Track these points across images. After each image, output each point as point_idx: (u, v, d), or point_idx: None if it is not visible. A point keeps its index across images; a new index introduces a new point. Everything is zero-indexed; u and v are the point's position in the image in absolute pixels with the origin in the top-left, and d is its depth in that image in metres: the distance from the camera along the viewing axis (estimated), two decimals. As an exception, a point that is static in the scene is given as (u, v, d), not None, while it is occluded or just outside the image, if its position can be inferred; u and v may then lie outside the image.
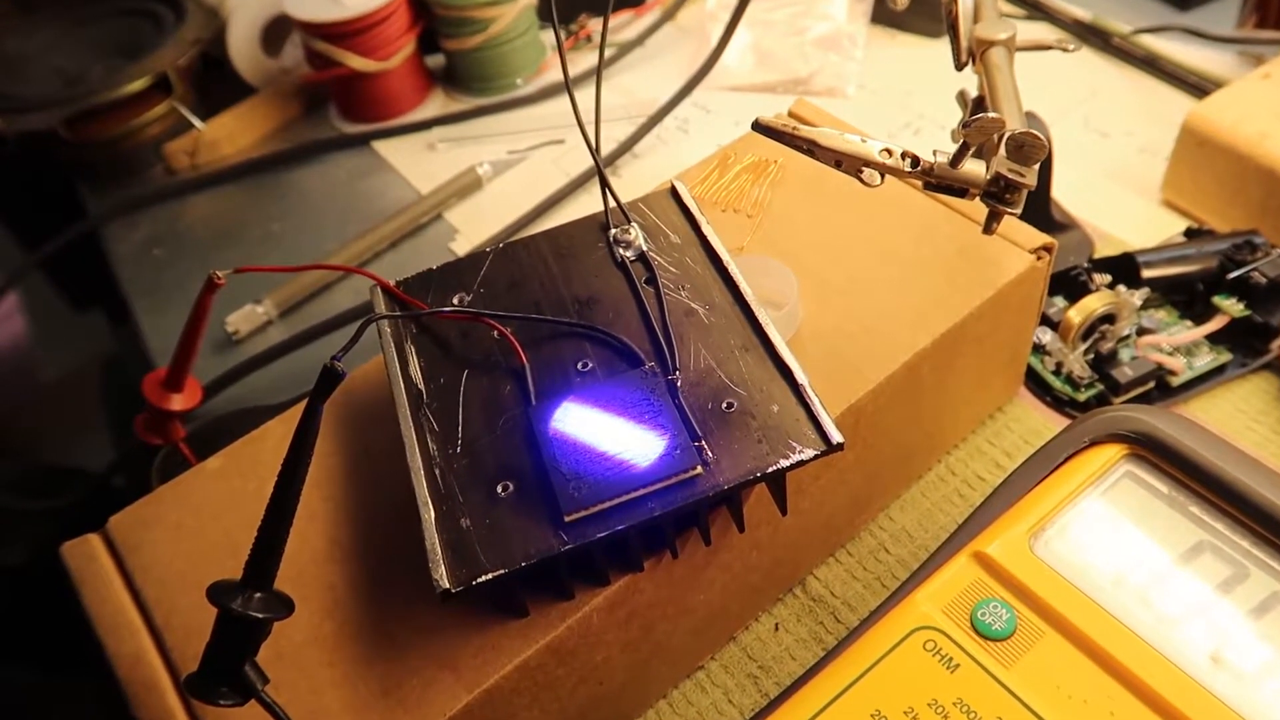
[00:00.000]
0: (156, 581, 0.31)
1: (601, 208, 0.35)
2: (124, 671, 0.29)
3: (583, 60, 0.66)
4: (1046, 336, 0.41)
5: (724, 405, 0.29)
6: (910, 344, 0.33)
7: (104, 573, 0.32)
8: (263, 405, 0.44)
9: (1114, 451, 0.30)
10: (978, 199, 0.32)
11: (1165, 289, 0.42)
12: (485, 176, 0.57)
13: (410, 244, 0.55)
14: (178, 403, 0.38)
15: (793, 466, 0.28)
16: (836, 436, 0.28)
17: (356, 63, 0.59)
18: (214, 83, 0.66)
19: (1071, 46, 0.38)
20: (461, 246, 0.54)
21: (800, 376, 0.29)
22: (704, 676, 0.35)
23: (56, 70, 0.63)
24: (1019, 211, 0.31)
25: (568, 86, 0.34)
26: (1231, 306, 0.40)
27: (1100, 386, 0.40)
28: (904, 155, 0.31)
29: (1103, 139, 0.53)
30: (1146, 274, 0.41)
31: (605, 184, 0.35)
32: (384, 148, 0.62)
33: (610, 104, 0.62)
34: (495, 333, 0.32)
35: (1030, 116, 0.43)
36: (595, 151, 0.35)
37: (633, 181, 0.56)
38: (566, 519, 0.27)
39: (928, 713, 0.25)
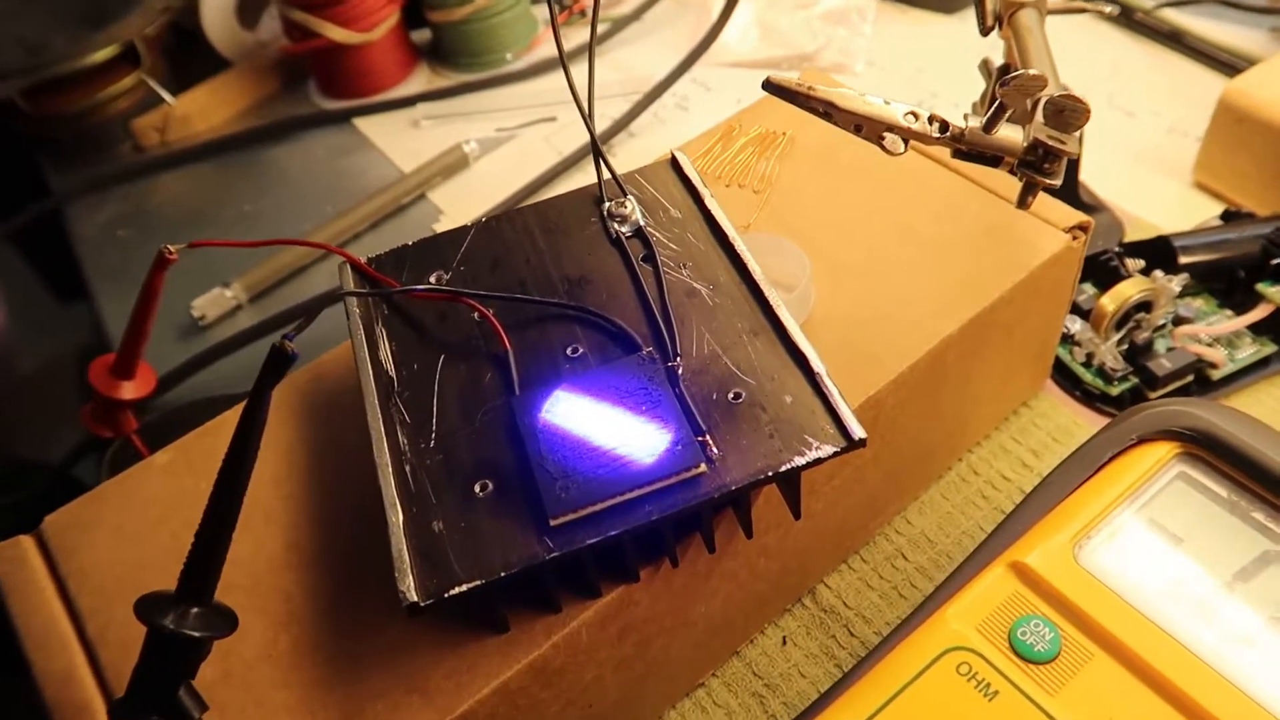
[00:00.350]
0: (93, 590, 0.28)
1: (596, 183, 0.32)
2: (51, 692, 0.26)
3: (577, 36, 0.62)
4: (1076, 326, 0.38)
5: (730, 396, 0.26)
6: (935, 331, 0.30)
7: (35, 579, 0.28)
8: (226, 395, 0.41)
9: (1165, 450, 0.27)
10: (1011, 169, 0.28)
11: (1203, 275, 0.39)
12: (472, 155, 0.54)
13: (392, 225, 0.52)
14: (128, 391, 0.35)
15: (809, 465, 0.24)
16: (858, 431, 0.24)
17: (336, 34, 0.56)
18: (186, 56, 0.63)
19: (1109, 8, 0.35)
20: (446, 227, 0.51)
21: (816, 364, 0.26)
22: (704, 695, 0.32)
23: (18, 39, 0.59)
24: (1058, 183, 0.28)
25: (560, 53, 0.31)
26: (1277, 294, 0.37)
27: (1135, 380, 0.37)
28: (931, 119, 0.28)
29: (1128, 118, 0.50)
30: (1184, 259, 0.38)
31: (599, 153, 0.32)
32: (366, 125, 0.59)
33: (606, 80, 0.58)
34: (475, 314, 0.29)
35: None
36: (589, 119, 0.32)
37: (629, 161, 0.53)
38: (552, 523, 0.24)
39: (964, 747, 0.22)
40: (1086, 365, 0.38)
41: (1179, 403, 0.27)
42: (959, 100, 0.52)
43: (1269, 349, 0.37)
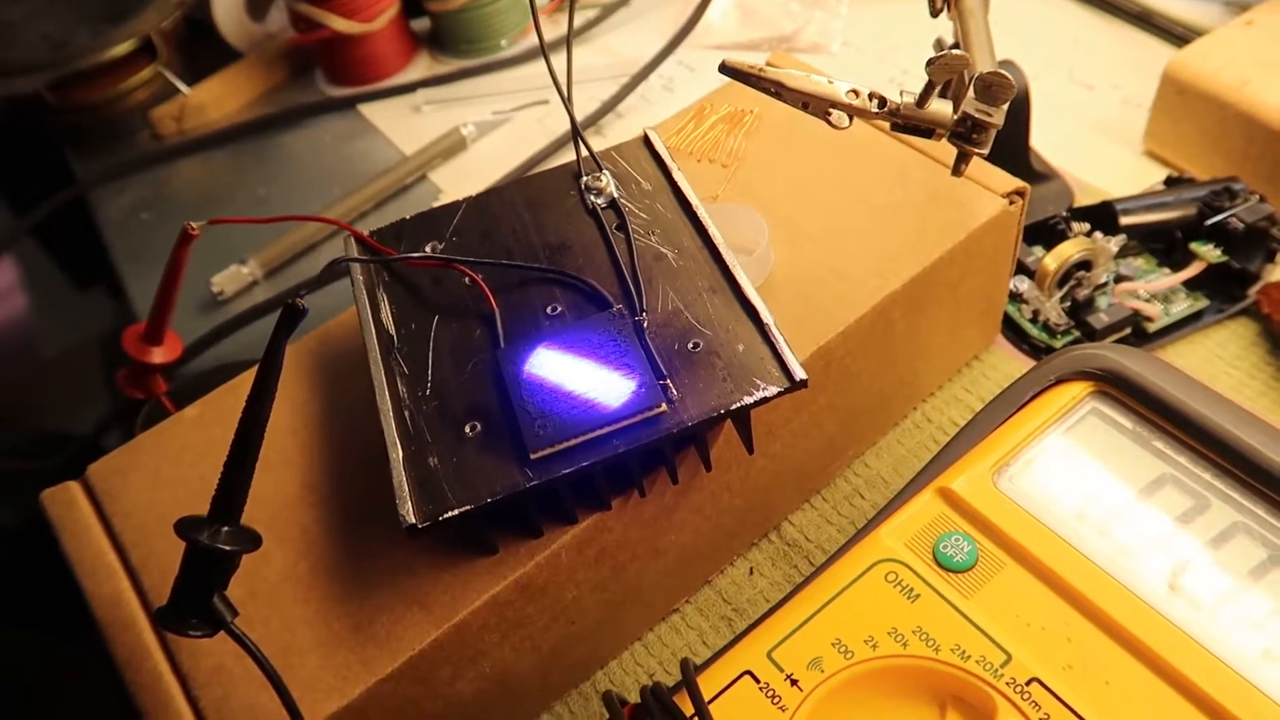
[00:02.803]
0: (135, 526, 0.32)
1: (576, 160, 0.35)
2: (102, 612, 0.30)
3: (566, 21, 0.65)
4: (1024, 285, 0.41)
5: (690, 345, 0.29)
6: (880, 288, 0.33)
7: (83, 518, 0.32)
8: (245, 360, 0.44)
9: (1080, 389, 0.30)
10: (945, 140, 0.32)
11: (1143, 237, 0.42)
12: (470, 137, 0.57)
13: (395, 205, 0.55)
14: (158, 355, 0.39)
15: (757, 403, 0.28)
16: (800, 373, 0.28)
17: (340, 24, 0.59)
18: (200, 47, 0.66)
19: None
20: (446, 206, 0.54)
21: (765, 316, 0.29)
22: (679, 619, 0.35)
23: (43, 36, 0.63)
24: (986, 151, 0.31)
25: (541, 44, 0.34)
26: (1209, 253, 0.40)
27: (1077, 333, 0.40)
28: (871, 96, 0.31)
29: (1088, 91, 0.52)
30: (1124, 221, 0.41)
31: (577, 132, 0.35)
32: (370, 111, 0.62)
33: (595, 64, 0.61)
34: (466, 279, 0.33)
35: (1007, 64, 0.43)
36: (568, 101, 0.35)
37: (616, 140, 0.55)
38: (532, 456, 0.27)
39: (887, 641, 0.26)
40: (1033, 321, 0.41)
41: (1093, 347, 0.31)
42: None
43: (1201, 303, 0.40)
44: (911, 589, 0.27)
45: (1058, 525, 0.27)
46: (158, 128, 0.63)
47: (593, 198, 0.34)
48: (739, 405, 0.28)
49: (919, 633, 0.26)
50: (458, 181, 0.56)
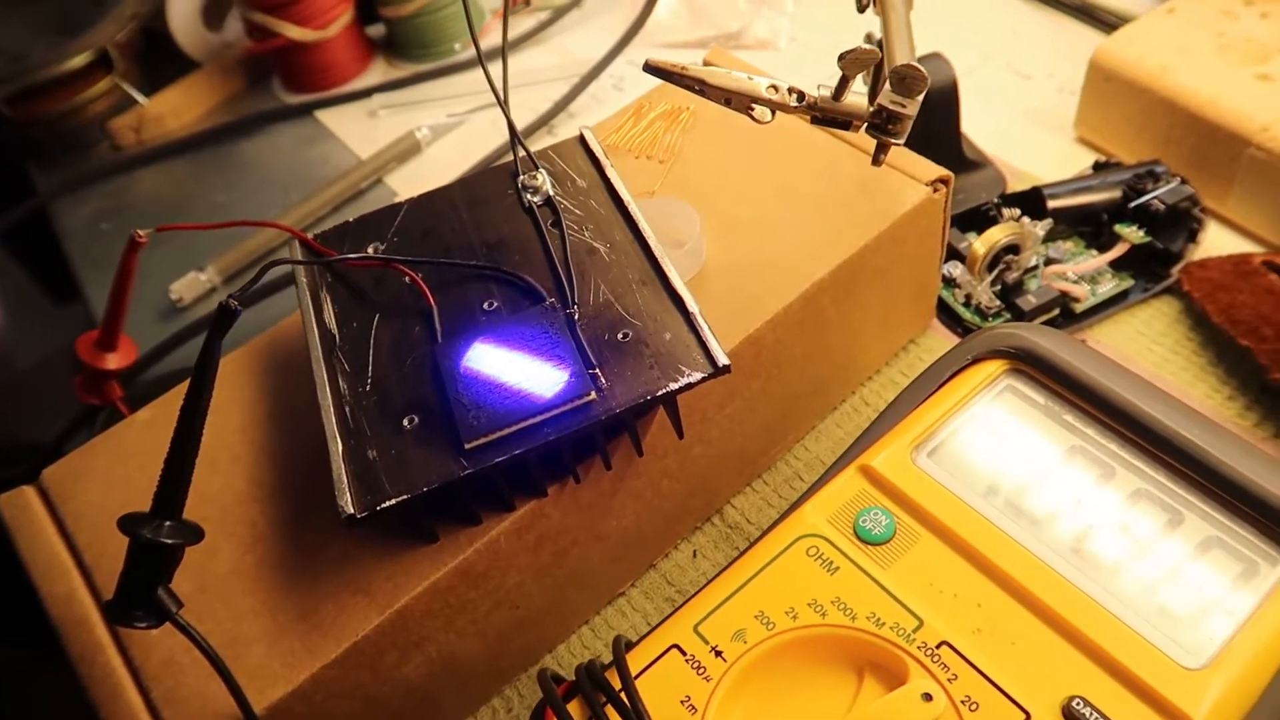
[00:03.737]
0: (88, 526, 0.33)
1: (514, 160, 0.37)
2: (57, 610, 0.31)
3: (522, 24, 0.66)
4: (957, 269, 0.42)
5: (620, 335, 0.30)
6: (807, 275, 0.35)
7: (37, 520, 0.33)
8: (162, 374, 0.45)
9: (995, 367, 0.32)
10: (863, 130, 0.33)
11: (1071, 220, 0.43)
12: (424, 140, 0.58)
13: (351, 209, 0.56)
14: (112, 361, 0.39)
15: (682, 389, 0.29)
16: (722, 359, 0.29)
17: (294, 32, 0.60)
18: (157, 58, 0.67)
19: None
20: (401, 209, 0.55)
21: (691, 305, 0.31)
22: (624, 602, 0.36)
23: (2, 50, 0.63)
24: (902, 141, 0.32)
25: (479, 53, 0.35)
26: (1132, 234, 0.42)
27: (1008, 315, 0.41)
28: (790, 90, 0.33)
29: (1025, 81, 0.54)
30: (1051, 205, 0.43)
31: (513, 132, 0.37)
32: (327, 117, 0.63)
33: (547, 65, 0.62)
34: (406, 278, 0.34)
35: (935, 57, 0.44)
36: (504, 103, 0.36)
37: (565, 136, 0.57)
38: (467, 446, 0.28)
39: (807, 611, 0.27)
40: (966, 304, 0.42)
41: (1008, 326, 0.32)
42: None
43: (1127, 283, 0.42)
44: (831, 562, 0.28)
45: (970, 497, 0.29)
46: (117, 139, 0.64)
47: (529, 196, 0.36)
48: (664, 391, 0.29)
49: (837, 603, 0.27)
50: (413, 184, 0.57)
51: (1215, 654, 0.25)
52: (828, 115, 0.33)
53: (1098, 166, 0.46)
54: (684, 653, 0.27)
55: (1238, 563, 0.26)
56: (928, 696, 0.25)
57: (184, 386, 0.36)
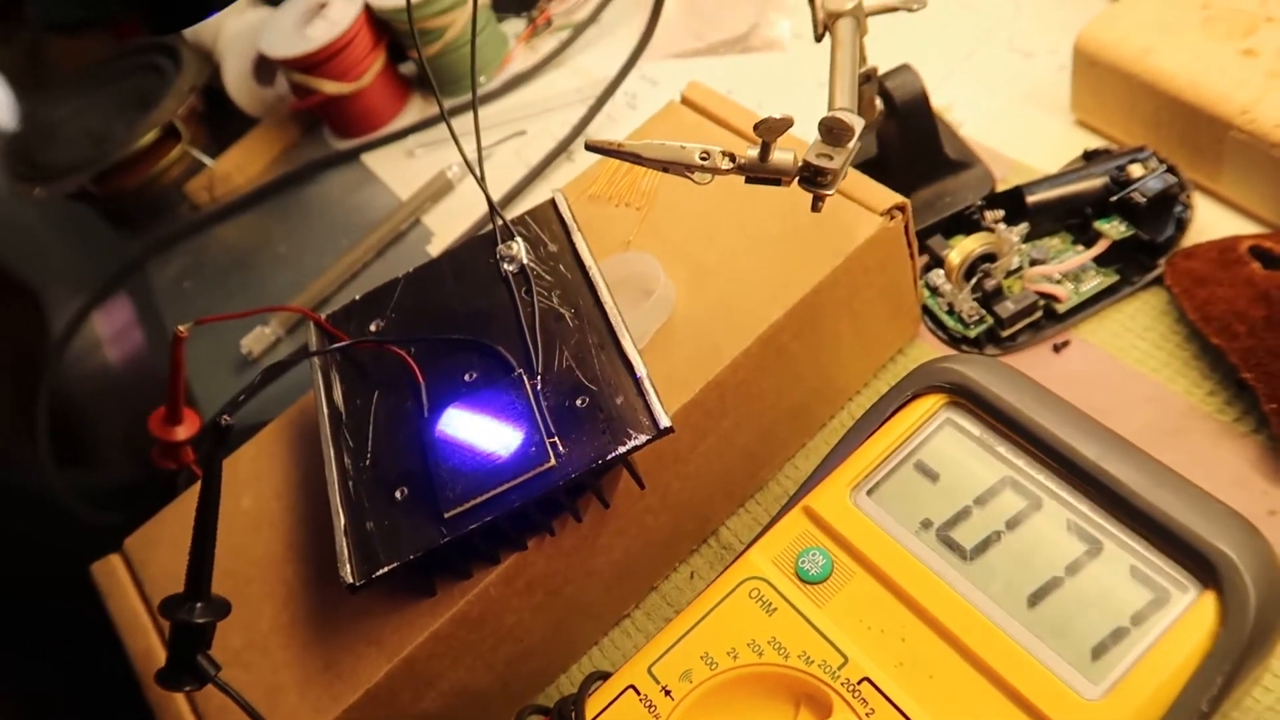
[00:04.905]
0: (161, 590, 0.38)
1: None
2: (139, 664, 0.37)
3: (543, 45, 0.69)
4: (939, 278, 0.43)
5: (579, 402, 0.34)
6: (764, 318, 0.37)
7: (122, 586, 0.39)
8: (261, 420, 0.51)
9: (934, 401, 0.33)
10: (795, 184, 0.34)
11: (1056, 216, 0.43)
12: (455, 178, 0.62)
13: (393, 251, 0.61)
14: (181, 433, 0.45)
15: (629, 452, 0.32)
16: (664, 422, 0.32)
17: (330, 87, 0.65)
18: (218, 116, 0.73)
19: (916, 6, 0.39)
20: (436, 248, 0.60)
21: (639, 369, 0.33)
22: (629, 624, 0.40)
23: (86, 131, 0.71)
24: (832, 192, 0.34)
25: (446, 121, 0.38)
26: (1112, 229, 0.41)
27: (990, 321, 0.42)
28: (723, 154, 0.35)
29: (1026, 60, 0.53)
30: (1033, 201, 0.43)
31: (492, 205, 0.40)
32: (371, 160, 0.68)
33: (566, 88, 0.65)
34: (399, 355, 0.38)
35: (903, 70, 0.45)
36: (481, 179, 0.39)
37: (585, 164, 0.60)
38: (446, 515, 0.32)
39: (746, 651, 0.30)
40: (949, 313, 0.43)
41: (947, 359, 0.33)
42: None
43: (1112, 278, 0.42)
44: (770, 603, 0.31)
45: (901, 534, 0.31)
46: (194, 200, 0.71)
47: (505, 265, 0.39)
48: (614, 455, 0.32)
49: (773, 642, 0.30)
50: (446, 223, 0.61)
51: (1113, 685, 0.26)
52: (758, 174, 0.34)
53: (1088, 155, 0.45)
54: (638, 692, 0.30)
55: (1150, 592, 0.28)
56: (847, 730, 0.28)
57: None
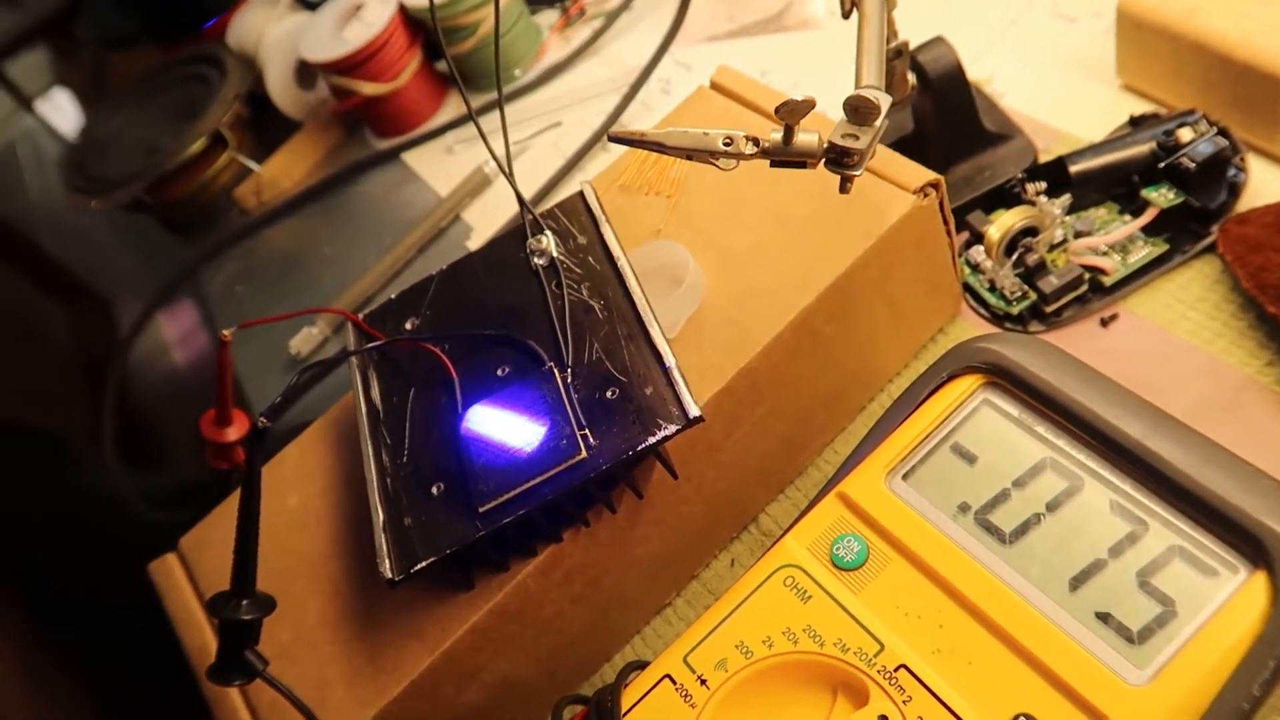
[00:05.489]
0: (215, 587, 0.39)
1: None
2: (195, 659, 0.38)
3: (578, 36, 0.69)
4: (980, 255, 0.42)
5: (609, 393, 0.34)
6: (795, 303, 0.36)
7: (178, 584, 0.40)
8: (307, 420, 0.52)
9: (971, 382, 0.32)
10: (821, 166, 0.34)
11: (1101, 186, 0.42)
12: (492, 173, 0.63)
13: (435, 248, 0.62)
14: (232, 434, 0.46)
15: (659, 442, 0.32)
16: (694, 411, 0.32)
17: (369, 89, 0.66)
18: (263, 121, 0.74)
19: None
20: (476, 243, 0.60)
21: (669, 359, 0.33)
22: (670, 612, 0.40)
23: (137, 143, 0.73)
24: (860, 172, 0.33)
25: (474, 121, 0.39)
26: (1160, 197, 0.40)
27: (1034, 297, 0.41)
28: (747, 138, 0.34)
29: (1069, 25, 0.51)
30: (1077, 171, 0.41)
31: (521, 200, 0.40)
32: (411, 158, 0.69)
33: (600, 77, 0.65)
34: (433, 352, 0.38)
35: (937, 42, 0.44)
36: (510, 174, 0.40)
37: (619, 153, 0.59)
38: (480, 510, 0.32)
39: (781, 639, 0.30)
40: (991, 290, 0.42)
41: (980, 339, 0.33)
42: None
43: (1161, 248, 0.40)
44: (805, 591, 0.30)
45: (938, 519, 0.30)
46: (242, 205, 0.72)
47: (535, 259, 0.39)
48: (644, 446, 0.32)
49: (809, 630, 0.29)
50: (485, 217, 0.61)
51: (1159, 670, 0.25)
52: (783, 158, 0.34)
53: (1134, 121, 0.44)
54: (674, 682, 0.30)
55: (1198, 573, 0.27)
56: (884, 718, 0.27)
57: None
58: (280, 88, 0.72)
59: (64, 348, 0.80)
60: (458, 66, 0.69)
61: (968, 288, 0.43)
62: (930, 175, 0.37)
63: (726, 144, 0.34)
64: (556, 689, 0.39)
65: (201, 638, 0.38)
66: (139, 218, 0.78)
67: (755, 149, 0.34)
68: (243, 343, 0.64)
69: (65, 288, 0.85)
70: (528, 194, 0.60)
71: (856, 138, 0.33)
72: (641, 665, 0.32)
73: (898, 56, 0.42)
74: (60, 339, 0.82)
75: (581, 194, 0.40)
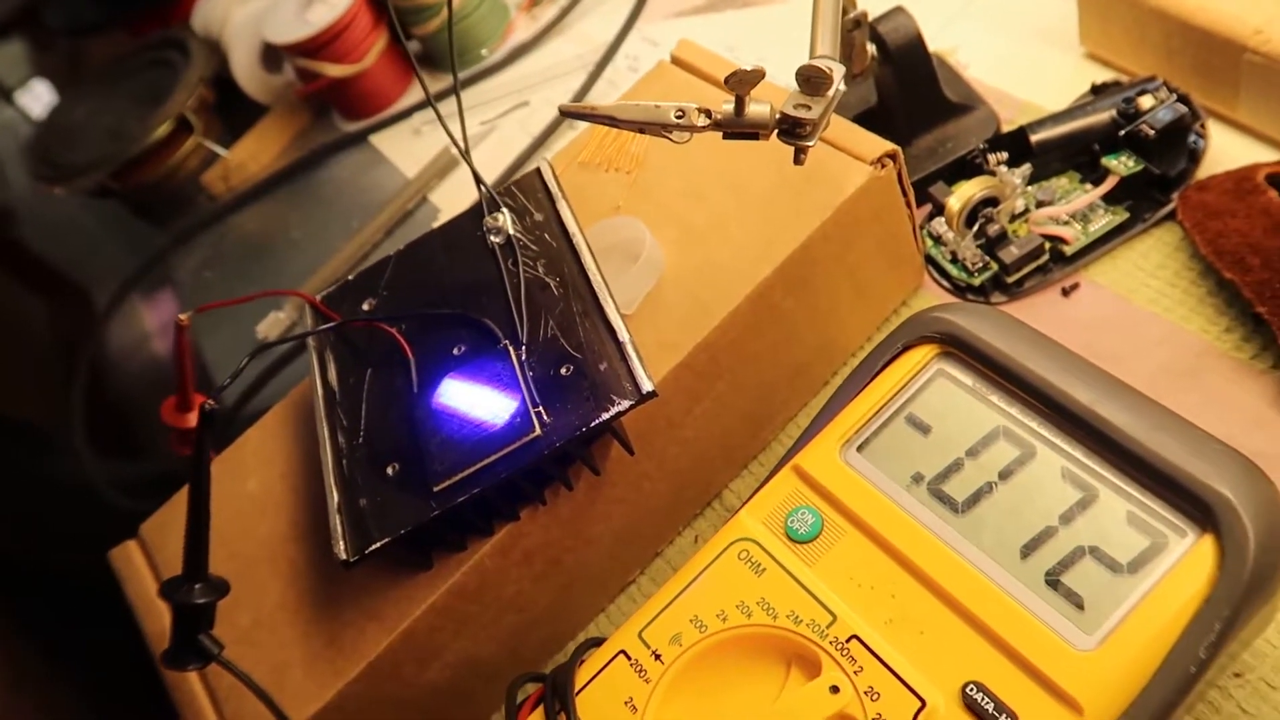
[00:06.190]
0: (175, 573, 0.39)
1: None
2: (154, 645, 0.38)
3: (544, 14, 0.68)
4: (942, 227, 0.42)
5: (563, 370, 0.33)
6: (752, 276, 0.36)
7: (138, 570, 0.40)
8: (266, 408, 0.51)
9: (925, 352, 0.32)
10: (774, 137, 0.34)
11: (1063, 155, 0.42)
12: (458, 155, 0.62)
13: (402, 230, 0.61)
14: (193, 419, 0.46)
15: (613, 418, 0.32)
16: (647, 386, 0.32)
17: (334, 70, 0.65)
18: (230, 105, 0.74)
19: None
20: (444, 225, 0.60)
21: (623, 335, 0.33)
22: (635, 589, 0.40)
23: (104, 128, 0.72)
24: (813, 143, 0.33)
25: (434, 108, 0.38)
26: (1120, 165, 0.40)
27: (995, 268, 0.41)
28: (699, 110, 0.34)
29: (1036, -7, 0.51)
30: (1038, 140, 0.41)
31: (477, 178, 0.39)
32: (379, 140, 0.68)
33: (568, 55, 0.64)
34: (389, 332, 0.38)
35: (897, 12, 0.43)
36: (465, 152, 0.39)
37: (591, 131, 0.59)
38: (435, 489, 0.32)
39: (735, 613, 0.29)
40: (954, 261, 0.42)
41: (934, 309, 0.32)
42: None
43: (1122, 216, 0.40)
44: (759, 564, 0.30)
45: (892, 489, 0.30)
46: (211, 190, 0.71)
47: (492, 237, 0.39)
48: (598, 422, 0.32)
49: (762, 603, 0.29)
50: (452, 199, 0.61)
51: (1107, 635, 0.25)
52: (735, 130, 0.34)
53: (1096, 89, 0.43)
54: (629, 658, 0.30)
55: (1147, 538, 0.27)
56: (835, 689, 0.27)
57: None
58: (246, 71, 0.71)
59: (36, 336, 0.79)
60: (424, 46, 0.68)
61: (930, 260, 0.43)
62: (887, 146, 0.37)
63: (678, 116, 0.34)
64: (521, 668, 0.39)
65: (161, 624, 0.38)
66: (109, 205, 0.78)
67: (707, 121, 0.34)
68: (211, 329, 0.63)
69: (38, 276, 0.84)
70: (494, 174, 0.60)
71: (809, 108, 0.32)
72: (599, 642, 0.32)
73: (856, 27, 0.42)
74: (33, 328, 0.81)
75: (538, 171, 0.40)
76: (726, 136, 0.34)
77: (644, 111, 0.34)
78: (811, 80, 0.32)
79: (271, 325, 0.59)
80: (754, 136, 0.34)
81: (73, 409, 0.67)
